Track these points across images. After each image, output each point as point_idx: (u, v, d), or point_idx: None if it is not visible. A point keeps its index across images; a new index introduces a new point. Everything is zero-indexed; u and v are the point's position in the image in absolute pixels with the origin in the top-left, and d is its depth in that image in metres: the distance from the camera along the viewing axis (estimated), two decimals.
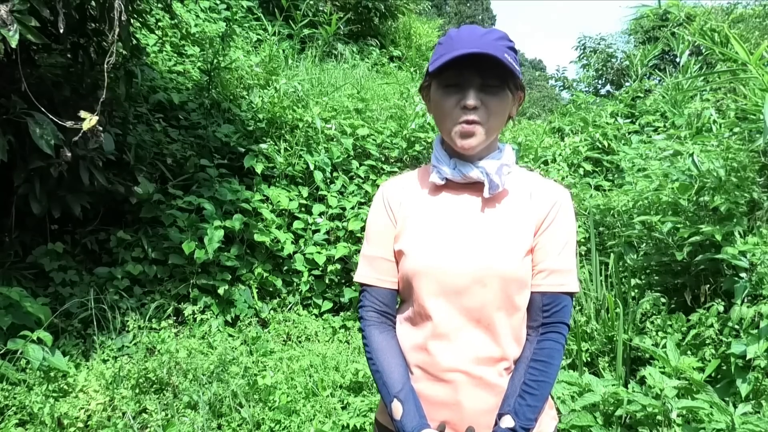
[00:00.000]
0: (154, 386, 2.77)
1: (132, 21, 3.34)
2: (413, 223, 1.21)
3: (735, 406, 2.19)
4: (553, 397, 2.29)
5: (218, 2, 6.58)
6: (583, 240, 4.42)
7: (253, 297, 3.75)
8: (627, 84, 9.38)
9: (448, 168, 1.19)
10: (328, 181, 4.41)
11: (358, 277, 1.27)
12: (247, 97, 4.82)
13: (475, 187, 1.20)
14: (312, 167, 4.27)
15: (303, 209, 4.20)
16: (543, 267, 1.16)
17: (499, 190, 1.17)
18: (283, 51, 5.98)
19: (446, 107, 1.14)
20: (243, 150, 4.19)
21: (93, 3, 2.99)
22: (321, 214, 4.16)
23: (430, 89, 1.20)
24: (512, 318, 1.15)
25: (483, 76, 1.11)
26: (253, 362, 3.08)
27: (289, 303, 3.94)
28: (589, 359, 3.12)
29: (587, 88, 10.90)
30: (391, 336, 1.23)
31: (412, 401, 1.13)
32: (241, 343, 3.32)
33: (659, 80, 7.94)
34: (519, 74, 1.13)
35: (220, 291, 3.57)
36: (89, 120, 2.49)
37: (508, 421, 1.08)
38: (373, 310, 1.24)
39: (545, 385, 1.12)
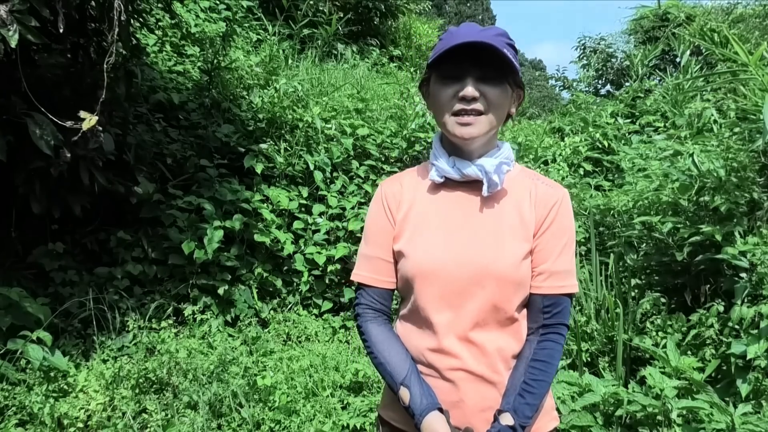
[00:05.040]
0: (154, 386, 2.77)
1: (132, 21, 3.34)
2: (412, 223, 1.20)
3: (735, 406, 2.19)
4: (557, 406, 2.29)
5: (218, 2, 6.58)
6: (583, 240, 4.42)
7: (253, 297, 3.75)
8: (627, 84, 9.38)
9: (447, 166, 1.18)
10: (328, 181, 4.40)
11: (356, 276, 1.26)
12: (247, 97, 4.81)
13: (473, 185, 1.19)
14: (312, 167, 4.27)
15: (303, 209, 4.20)
16: (543, 269, 1.16)
17: (498, 189, 1.16)
18: (283, 51, 5.98)
19: (444, 98, 1.13)
20: (243, 150, 4.19)
21: (93, 3, 2.99)
22: (321, 214, 4.16)
23: (430, 83, 1.19)
24: (510, 319, 1.15)
25: (482, 67, 1.10)
26: (253, 362, 3.08)
27: (289, 303, 3.94)
28: (589, 359, 3.12)
29: (587, 88, 10.88)
30: (389, 328, 1.23)
31: (418, 384, 1.13)
32: (241, 343, 3.32)
33: (659, 80, 7.94)
34: (518, 69, 1.13)
35: (220, 291, 3.56)
36: (89, 120, 2.49)
37: (507, 419, 1.09)
38: (369, 308, 1.24)
39: (544, 384, 1.13)
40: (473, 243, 1.15)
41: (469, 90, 1.09)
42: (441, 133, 1.25)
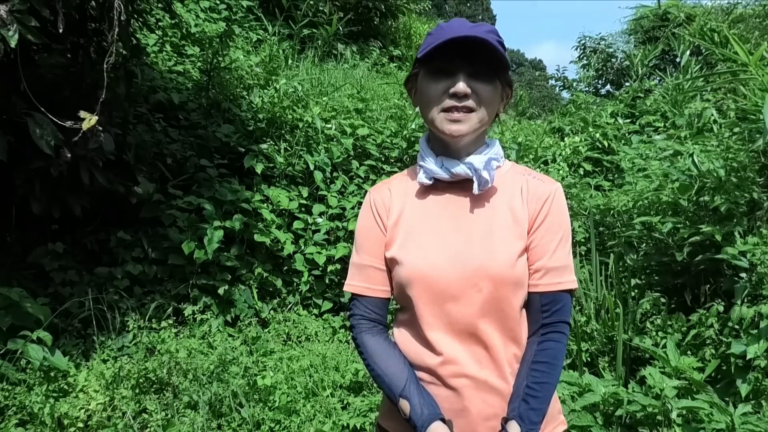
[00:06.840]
0: (154, 386, 2.77)
1: (132, 21, 3.34)
2: (403, 229, 1.18)
3: (735, 406, 2.19)
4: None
5: (218, 2, 6.58)
6: (583, 240, 4.42)
7: (253, 297, 3.75)
8: (627, 84, 9.38)
9: (435, 166, 1.15)
10: (328, 181, 4.41)
11: (348, 286, 1.23)
12: (247, 97, 4.81)
13: (463, 185, 1.16)
14: (312, 167, 4.27)
15: (303, 209, 4.20)
16: (539, 266, 1.13)
17: (489, 186, 1.14)
18: (283, 51, 5.98)
19: (434, 94, 1.10)
20: (243, 150, 4.19)
21: (93, 3, 2.99)
22: (321, 214, 4.16)
23: (417, 79, 1.16)
24: (510, 320, 1.12)
25: (473, 63, 1.08)
26: (253, 362, 3.08)
27: (289, 303, 3.94)
28: (589, 359, 3.12)
29: (587, 88, 10.89)
30: (384, 338, 1.20)
31: (418, 394, 1.10)
32: (241, 343, 3.32)
33: (659, 80, 7.94)
34: (508, 66, 1.12)
35: (220, 291, 3.56)
36: (89, 120, 2.49)
37: (514, 427, 1.06)
38: (364, 318, 1.21)
39: (549, 386, 1.09)
40: (466, 244, 1.12)
41: (461, 86, 1.07)
42: (428, 135, 1.23)
